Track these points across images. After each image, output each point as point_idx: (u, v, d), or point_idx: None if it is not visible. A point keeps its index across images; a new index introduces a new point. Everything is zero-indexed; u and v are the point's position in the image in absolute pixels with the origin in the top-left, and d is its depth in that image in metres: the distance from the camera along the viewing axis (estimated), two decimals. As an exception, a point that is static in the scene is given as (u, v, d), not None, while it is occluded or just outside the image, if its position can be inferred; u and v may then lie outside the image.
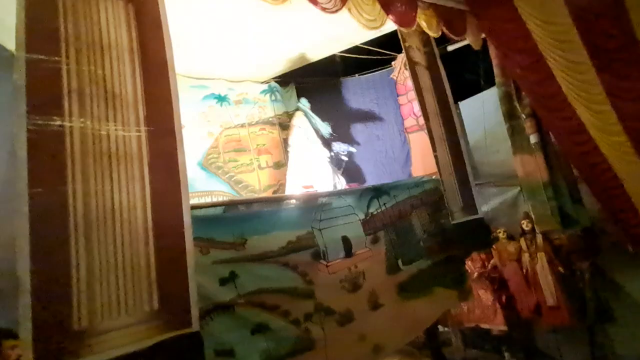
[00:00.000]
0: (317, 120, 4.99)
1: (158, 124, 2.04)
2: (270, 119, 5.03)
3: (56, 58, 1.80)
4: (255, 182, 4.75)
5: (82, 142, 1.79)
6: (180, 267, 1.92)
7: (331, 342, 2.52)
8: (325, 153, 4.84)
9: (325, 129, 4.98)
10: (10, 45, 2.73)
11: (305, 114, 4.99)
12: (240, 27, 3.88)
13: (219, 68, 4.71)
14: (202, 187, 4.56)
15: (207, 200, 4.52)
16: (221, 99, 4.87)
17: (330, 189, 4.52)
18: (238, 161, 4.77)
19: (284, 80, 5.21)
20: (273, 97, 5.15)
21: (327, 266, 2.68)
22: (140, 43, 2.10)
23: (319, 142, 4.87)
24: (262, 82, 5.16)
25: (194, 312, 1.89)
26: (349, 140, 5.35)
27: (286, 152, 4.94)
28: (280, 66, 4.93)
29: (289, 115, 5.14)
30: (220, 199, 4.57)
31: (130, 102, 2.00)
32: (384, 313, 2.88)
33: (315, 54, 4.81)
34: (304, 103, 5.04)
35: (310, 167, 4.69)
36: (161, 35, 2.18)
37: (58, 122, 1.74)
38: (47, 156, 1.69)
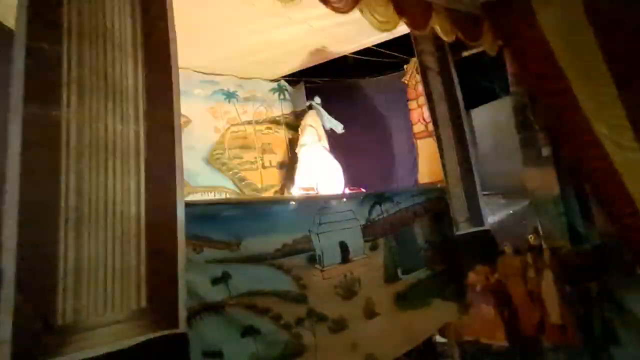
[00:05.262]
0: (329, 118, 4.83)
1: (157, 119, 2.01)
2: (277, 118, 4.99)
3: (57, 47, 1.78)
4: (258, 181, 4.73)
5: (79, 134, 1.76)
6: (170, 266, 1.88)
7: (322, 349, 2.47)
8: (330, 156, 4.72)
9: (338, 127, 4.83)
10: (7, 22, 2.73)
11: (318, 113, 4.85)
12: (251, 24, 3.85)
13: (229, 64, 4.69)
14: (206, 182, 4.56)
15: (210, 195, 4.51)
16: (229, 95, 4.85)
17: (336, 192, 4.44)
18: (243, 158, 4.75)
19: (293, 79, 5.17)
20: (282, 96, 5.11)
21: (322, 271, 2.63)
22: (144, 36, 2.07)
23: (323, 145, 4.75)
24: (271, 80, 5.12)
25: (182, 313, 1.85)
26: (356, 142, 5.28)
27: (294, 153, 4.85)
28: (290, 65, 4.89)
29: (297, 115, 5.08)
30: (223, 195, 4.56)
31: (131, 95, 1.97)
32: (379, 322, 2.82)
33: (326, 54, 4.75)
34: (317, 101, 4.89)
35: (322, 170, 4.56)
36: (166, 29, 2.14)
37: (55, 112, 1.72)
38: (41, 146, 1.66)
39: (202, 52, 4.21)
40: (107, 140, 1.85)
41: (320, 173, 4.54)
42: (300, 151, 4.76)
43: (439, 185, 3.67)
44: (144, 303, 1.79)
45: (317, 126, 4.79)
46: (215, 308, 2.20)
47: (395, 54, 4.84)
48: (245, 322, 2.28)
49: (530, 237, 4.58)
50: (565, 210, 3.95)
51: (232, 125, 4.79)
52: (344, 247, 2.79)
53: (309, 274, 2.56)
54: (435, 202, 3.54)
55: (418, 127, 4.96)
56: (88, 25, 1.89)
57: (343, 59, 4.99)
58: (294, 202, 2.88)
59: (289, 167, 4.81)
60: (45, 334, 1.50)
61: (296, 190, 4.42)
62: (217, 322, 2.20)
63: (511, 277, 4.66)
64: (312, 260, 2.61)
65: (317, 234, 2.67)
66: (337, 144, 5.33)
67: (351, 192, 4.04)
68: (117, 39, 1.98)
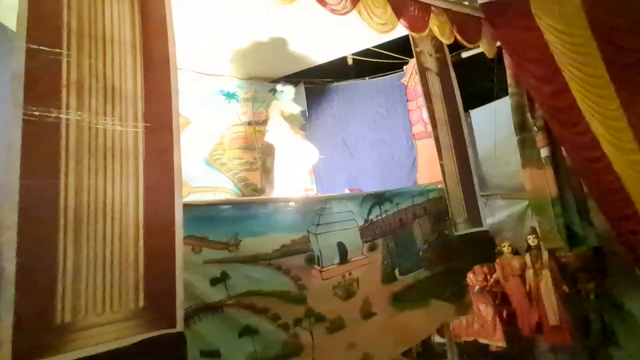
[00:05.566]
0: (290, 103, 4.50)
1: (156, 120, 2.03)
2: (277, 119, 4.99)
3: (57, 49, 1.79)
4: (258, 181, 4.75)
5: (78, 135, 1.78)
6: (168, 266, 1.90)
7: (319, 349, 2.48)
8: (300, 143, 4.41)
9: (296, 108, 4.54)
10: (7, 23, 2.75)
11: (278, 99, 4.55)
12: (251, 25, 3.86)
13: (229, 65, 4.70)
14: (206, 182, 4.57)
15: (210, 195, 4.52)
16: (230, 96, 4.87)
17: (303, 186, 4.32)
18: (242, 159, 4.76)
19: (293, 80, 5.18)
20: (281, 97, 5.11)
21: (320, 272, 2.64)
22: (143, 38, 2.09)
23: (289, 129, 4.40)
24: (271, 82, 5.14)
25: (179, 312, 1.87)
26: (355, 143, 5.30)
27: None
28: (290, 66, 4.90)
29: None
30: (223, 195, 4.57)
31: (130, 97, 1.98)
32: (376, 322, 2.83)
33: (326, 55, 4.76)
34: (279, 89, 4.60)
35: (290, 152, 4.27)
36: (165, 31, 2.16)
37: (55, 114, 1.73)
38: (41, 148, 1.68)
39: (203, 53, 4.23)
40: (106, 142, 1.86)
41: (290, 155, 4.28)
42: (273, 142, 4.43)
43: (438, 186, 3.67)
44: (142, 303, 1.81)
45: (276, 112, 4.46)
46: (213, 308, 2.21)
47: (395, 55, 4.85)
48: (243, 322, 2.29)
49: (529, 238, 4.60)
50: (563, 211, 3.95)
51: (232, 125, 4.81)
52: (342, 248, 2.80)
53: (307, 274, 2.57)
54: (435, 203, 3.54)
55: (417, 128, 4.97)
56: (88, 27, 1.91)
57: (343, 60, 5.00)
58: (292, 203, 2.89)
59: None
60: (44, 333, 1.52)
61: (277, 181, 4.25)
62: (215, 321, 2.22)
63: (510, 277, 4.68)
64: (311, 260, 2.62)
65: (316, 235, 2.68)
66: (336, 144, 5.35)
67: (350, 192, 4.04)
68: (117, 41, 2.00)
